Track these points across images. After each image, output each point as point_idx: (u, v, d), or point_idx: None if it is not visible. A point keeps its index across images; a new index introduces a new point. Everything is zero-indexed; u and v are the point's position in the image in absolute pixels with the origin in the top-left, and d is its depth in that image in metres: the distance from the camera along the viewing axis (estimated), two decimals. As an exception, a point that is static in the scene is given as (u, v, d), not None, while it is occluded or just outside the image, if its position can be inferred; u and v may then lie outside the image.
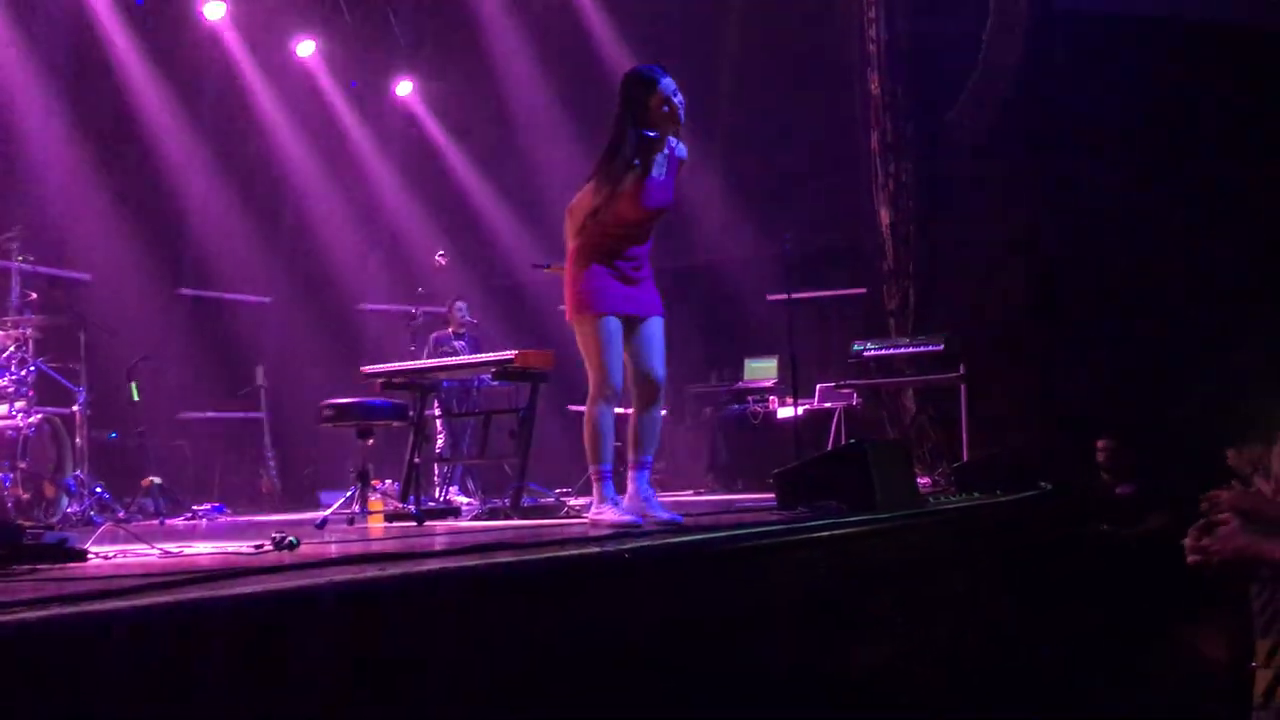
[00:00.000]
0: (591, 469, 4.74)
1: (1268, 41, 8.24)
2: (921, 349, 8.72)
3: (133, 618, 2.05)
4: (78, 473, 7.12)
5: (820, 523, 4.47)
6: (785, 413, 9.38)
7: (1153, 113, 8.53)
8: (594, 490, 4.72)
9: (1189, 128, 8.47)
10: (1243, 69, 8.33)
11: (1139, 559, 5.82)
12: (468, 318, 9.32)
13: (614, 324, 4.76)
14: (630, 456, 4.82)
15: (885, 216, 9.76)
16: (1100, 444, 6.74)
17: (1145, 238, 8.51)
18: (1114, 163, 8.72)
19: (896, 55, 9.78)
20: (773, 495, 5.58)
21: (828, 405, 9.41)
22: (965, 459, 7.90)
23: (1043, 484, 6.86)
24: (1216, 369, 7.83)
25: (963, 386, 8.47)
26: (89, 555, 3.37)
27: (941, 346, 8.58)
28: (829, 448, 8.31)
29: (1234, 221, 8.26)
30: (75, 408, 7.44)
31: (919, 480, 6.72)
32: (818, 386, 9.71)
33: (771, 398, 9.83)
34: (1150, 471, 6.34)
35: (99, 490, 7.26)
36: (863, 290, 10.40)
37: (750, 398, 9.96)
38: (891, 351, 8.89)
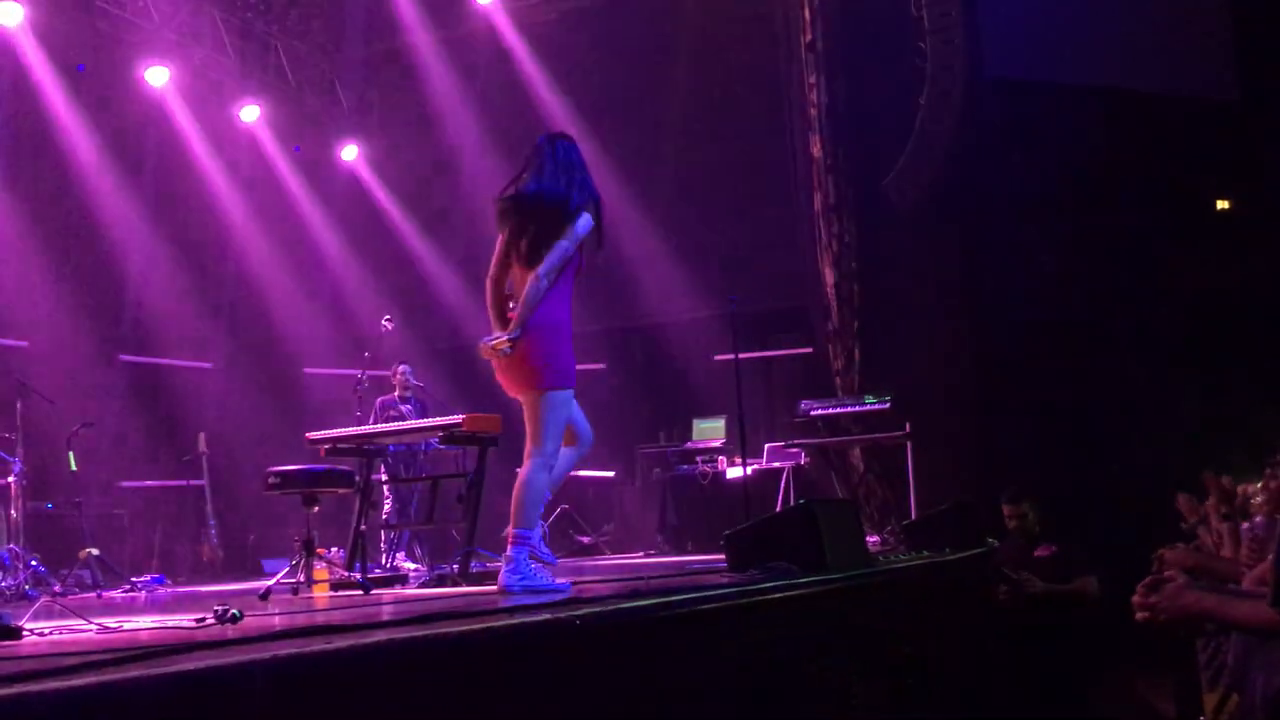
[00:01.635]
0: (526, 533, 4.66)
1: (1188, 107, 8.56)
2: (867, 408, 8.81)
3: (70, 699, 1.99)
4: (12, 545, 6.93)
5: (772, 584, 4.46)
6: (734, 473, 9.39)
7: (1081, 177, 8.80)
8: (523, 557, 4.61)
9: (1116, 192, 8.75)
10: (1165, 135, 8.63)
11: (1059, 618, 5.86)
12: (413, 380, 9.26)
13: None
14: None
15: (829, 276, 9.89)
16: (1006, 510, 6.52)
17: (1077, 298, 8.73)
18: (1044, 225, 8.96)
19: (837, 119, 9.98)
20: (724, 556, 5.56)
21: (776, 464, 9.44)
22: (913, 516, 7.95)
23: (990, 540, 6.91)
24: (1148, 425, 8.01)
25: (909, 444, 8.55)
26: (23, 633, 3.28)
27: (887, 405, 8.67)
28: (778, 507, 8.32)
29: (1160, 280, 8.51)
30: (11, 478, 7.26)
31: (868, 539, 6.73)
32: (766, 446, 9.75)
33: (720, 458, 9.84)
34: (1071, 534, 6.35)
35: (34, 563, 7.07)
36: (809, 350, 10.51)
37: (699, 458, 9.96)
38: (838, 410, 8.97)
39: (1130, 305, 8.55)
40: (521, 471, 4.77)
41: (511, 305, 4.96)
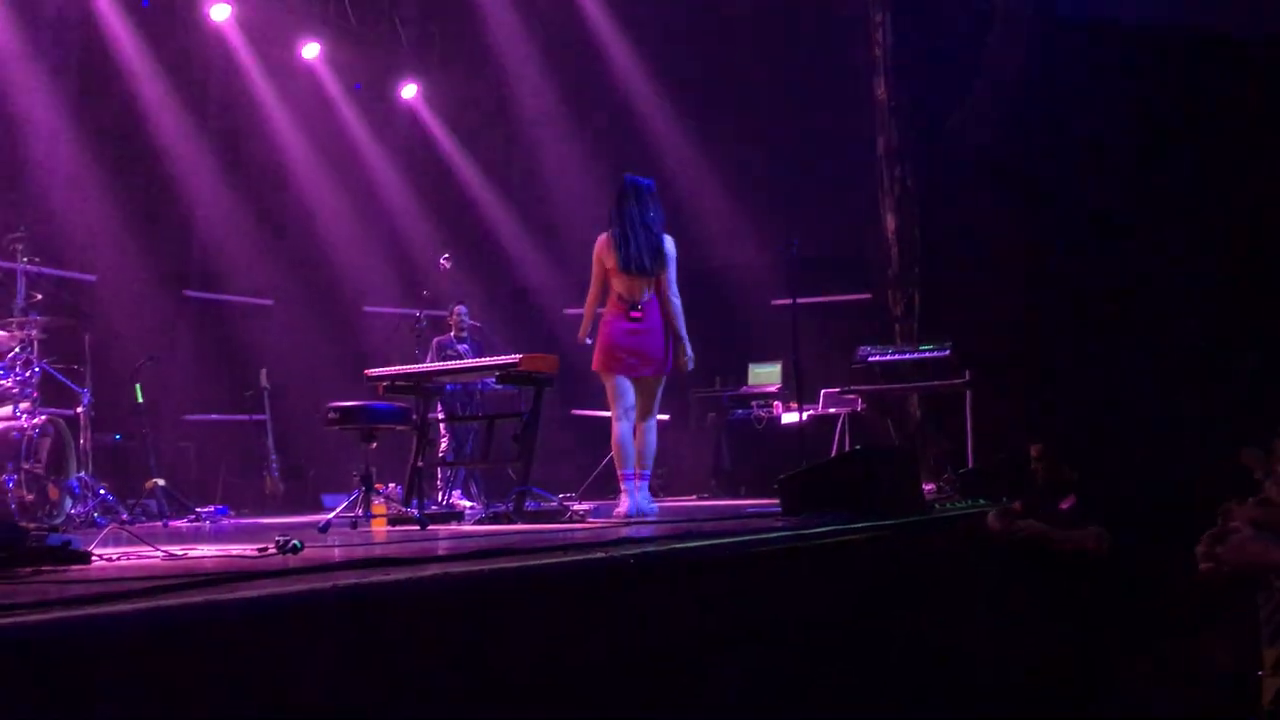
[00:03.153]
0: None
1: (1270, 50, 8.24)
2: (927, 355, 8.70)
3: (136, 621, 2.04)
4: (81, 475, 7.11)
5: (825, 529, 4.46)
6: (789, 418, 9.37)
7: (1154, 124, 8.52)
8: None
9: (1190, 139, 8.47)
10: (1245, 79, 8.32)
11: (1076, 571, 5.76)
12: (469, 321, 9.32)
13: None
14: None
15: (890, 222, 9.74)
16: (1034, 452, 6.37)
17: (1145, 249, 8.50)
18: (1113, 173, 8.71)
19: (902, 61, 9.76)
20: (777, 501, 5.56)
21: (832, 411, 9.39)
22: (970, 465, 7.88)
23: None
24: (1217, 375, 7.83)
25: (968, 393, 8.45)
26: (93, 558, 3.37)
27: (947, 352, 8.56)
28: (833, 454, 8.29)
29: (1218, 239, 8.26)
30: (79, 409, 7.44)
31: (924, 486, 6.69)
32: (822, 392, 9.69)
33: (775, 403, 9.81)
34: (1089, 486, 6.19)
35: (103, 492, 7.25)
36: (867, 296, 10.38)
37: (754, 403, 9.94)
38: (896, 358, 8.87)
39: (1200, 259, 8.31)
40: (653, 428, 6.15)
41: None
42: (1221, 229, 8.27)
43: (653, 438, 6.16)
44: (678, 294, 6.19)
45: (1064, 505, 5.97)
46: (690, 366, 6.28)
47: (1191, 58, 8.48)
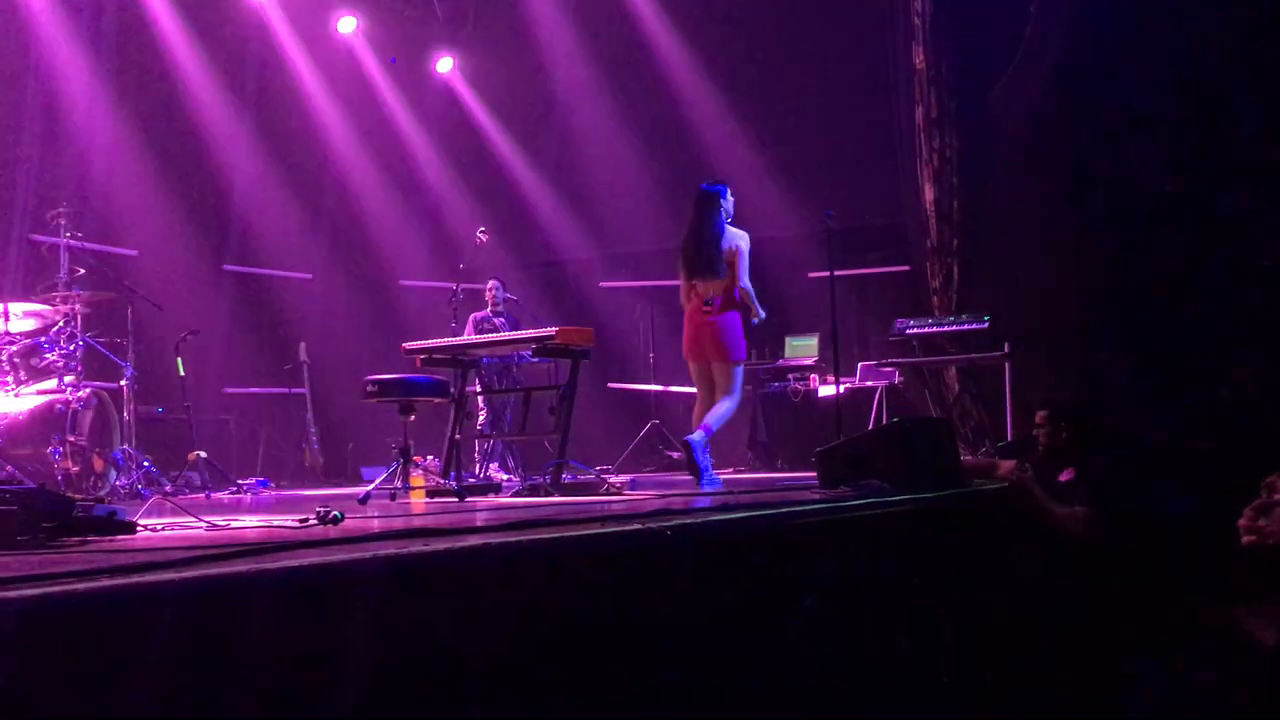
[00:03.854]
0: None
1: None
2: (965, 327, 8.64)
3: (181, 590, 2.07)
4: (125, 447, 7.22)
5: (862, 501, 4.45)
6: (826, 391, 9.33)
7: (1199, 94, 8.33)
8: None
9: (1237, 110, 8.28)
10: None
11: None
12: (503, 295, 9.35)
13: None
14: None
15: (929, 193, 9.65)
16: (1038, 418, 6.23)
17: (1184, 220, 8.35)
18: (1162, 143, 8.55)
19: (941, 28, 9.64)
20: (814, 474, 5.55)
21: (869, 384, 9.34)
22: (1009, 438, 7.82)
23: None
24: (1262, 352, 7.70)
25: (1007, 365, 8.38)
26: (138, 528, 3.42)
27: (985, 325, 8.49)
28: (870, 426, 8.25)
29: (1273, 209, 8.09)
30: (122, 382, 7.54)
31: (962, 459, 6.63)
32: (859, 365, 9.65)
33: (812, 376, 9.77)
34: (1089, 458, 6.05)
35: (146, 464, 7.36)
36: (905, 268, 10.29)
37: (791, 376, 9.91)
38: (934, 330, 8.81)
39: (1245, 231, 8.16)
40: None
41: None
42: (1269, 197, 8.10)
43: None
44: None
45: (1063, 477, 5.87)
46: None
47: (1235, 24, 8.29)
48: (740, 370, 6.61)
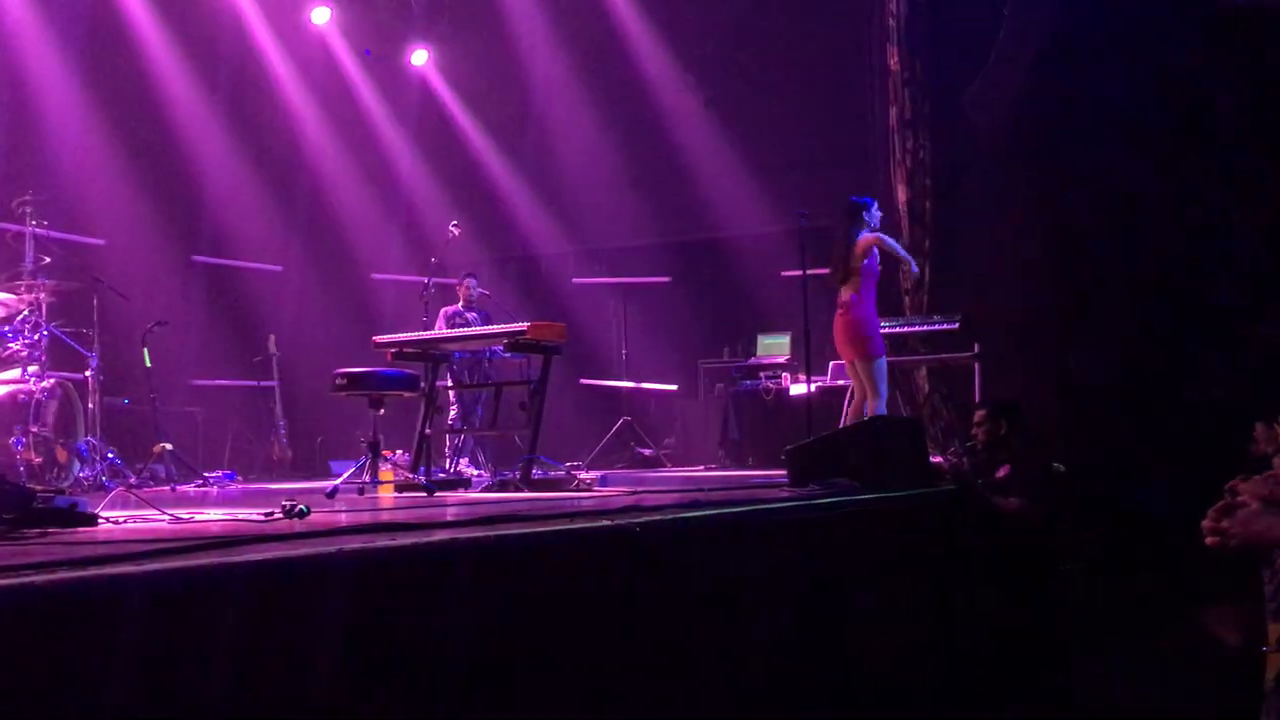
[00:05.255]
0: None
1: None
2: (936, 327, 8.67)
3: (141, 583, 2.04)
4: (89, 438, 7.14)
5: (832, 500, 4.45)
6: (798, 390, 9.34)
7: (1172, 96, 8.42)
8: None
9: (1209, 111, 8.37)
10: (1263, 50, 8.22)
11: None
12: (478, 290, 9.31)
13: None
14: None
15: (902, 193, 9.69)
16: (977, 416, 6.48)
17: (1163, 221, 8.43)
18: (1133, 146, 8.63)
19: (916, 30, 9.67)
20: (784, 472, 5.56)
21: (840, 383, 9.35)
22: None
23: (1056, 465, 6.82)
24: (1232, 351, 7.78)
25: (977, 366, 8.42)
26: (99, 520, 3.37)
27: (957, 325, 8.53)
28: (841, 425, 8.28)
29: (1251, 209, 8.18)
30: (87, 373, 7.45)
31: (931, 459, 6.67)
32: (831, 364, 9.66)
33: (784, 374, 9.79)
34: (1023, 454, 6.18)
35: (110, 456, 7.28)
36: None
37: (763, 374, 9.92)
38: (905, 330, 8.84)
39: (1218, 231, 8.24)
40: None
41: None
42: (1242, 204, 8.19)
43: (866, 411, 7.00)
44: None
45: (1000, 473, 6.02)
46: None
47: (1208, 27, 8.37)
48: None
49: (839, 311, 7.21)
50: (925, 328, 8.75)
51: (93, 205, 9.50)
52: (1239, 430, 5.24)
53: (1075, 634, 5.77)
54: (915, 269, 7.37)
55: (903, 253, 7.26)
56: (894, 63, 9.79)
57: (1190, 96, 8.36)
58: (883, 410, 6.96)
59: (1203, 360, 7.99)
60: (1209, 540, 2.55)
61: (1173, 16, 8.29)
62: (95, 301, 7.68)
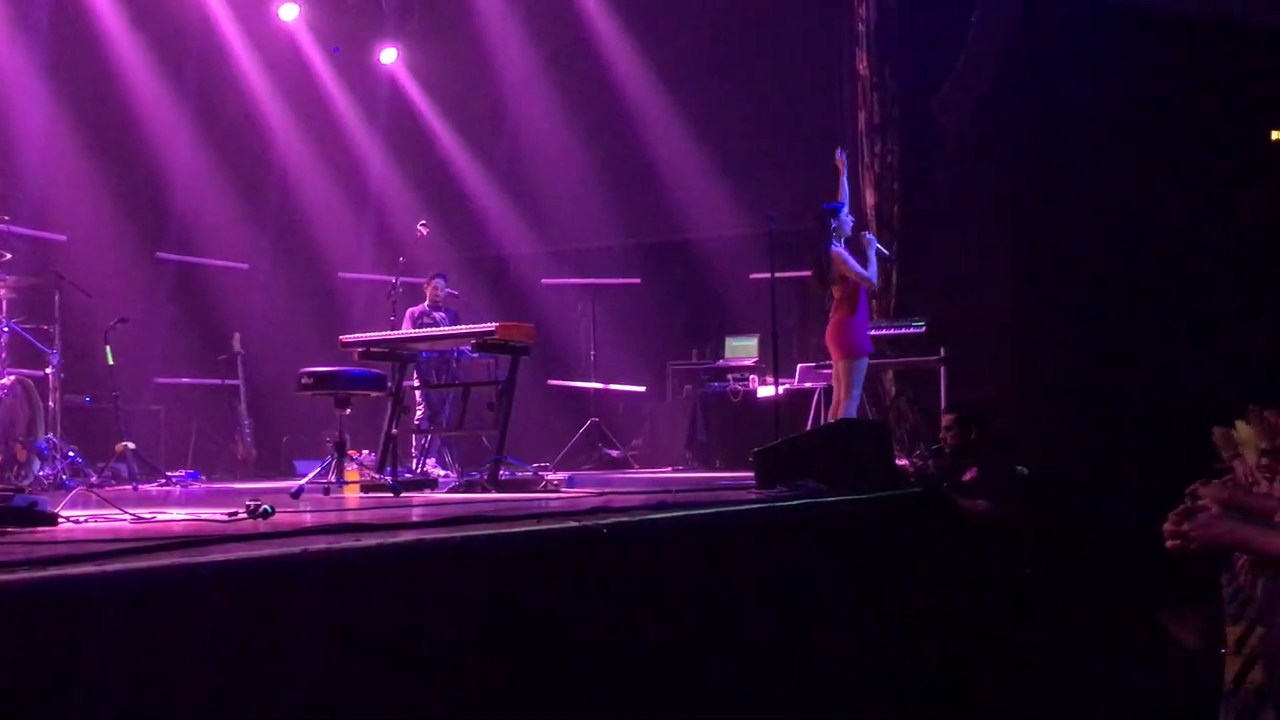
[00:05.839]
0: None
1: (1256, 35, 8.26)
2: (902, 331, 8.73)
3: (102, 584, 2.01)
4: (50, 436, 7.04)
5: (799, 502, 4.47)
6: (765, 392, 9.37)
7: (1135, 103, 8.53)
8: None
9: (1170, 118, 8.48)
10: (1224, 60, 8.34)
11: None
12: (446, 291, 9.27)
13: None
14: None
15: (870, 197, 9.75)
16: (945, 420, 6.66)
17: (1128, 226, 8.54)
18: (1098, 151, 8.73)
19: (885, 36, 9.74)
20: (752, 474, 5.57)
21: (808, 385, 9.40)
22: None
23: (1020, 468, 6.88)
24: (1198, 354, 7.88)
25: (942, 369, 8.49)
26: (59, 519, 3.33)
27: (923, 328, 8.59)
28: (809, 427, 8.31)
29: (1215, 211, 8.30)
30: (48, 370, 7.36)
31: (897, 462, 6.73)
32: (798, 366, 9.71)
33: (752, 377, 9.81)
34: (990, 457, 6.28)
35: (72, 454, 7.19)
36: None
37: (730, 376, 9.94)
38: (872, 333, 8.88)
39: (1181, 235, 8.35)
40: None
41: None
42: (1206, 207, 8.30)
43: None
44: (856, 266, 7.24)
45: (966, 476, 6.11)
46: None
47: (1169, 37, 8.48)
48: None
49: (830, 311, 7.38)
50: (892, 331, 8.81)
51: (56, 200, 9.38)
52: (1203, 435, 5.31)
53: (1039, 635, 5.82)
54: (875, 282, 7.33)
55: (860, 271, 7.11)
56: (863, 68, 9.85)
57: (1155, 100, 8.47)
58: (851, 413, 6.95)
59: (1168, 363, 8.08)
60: (1170, 543, 2.58)
61: (1133, 28, 8.41)
62: (57, 298, 7.58)
